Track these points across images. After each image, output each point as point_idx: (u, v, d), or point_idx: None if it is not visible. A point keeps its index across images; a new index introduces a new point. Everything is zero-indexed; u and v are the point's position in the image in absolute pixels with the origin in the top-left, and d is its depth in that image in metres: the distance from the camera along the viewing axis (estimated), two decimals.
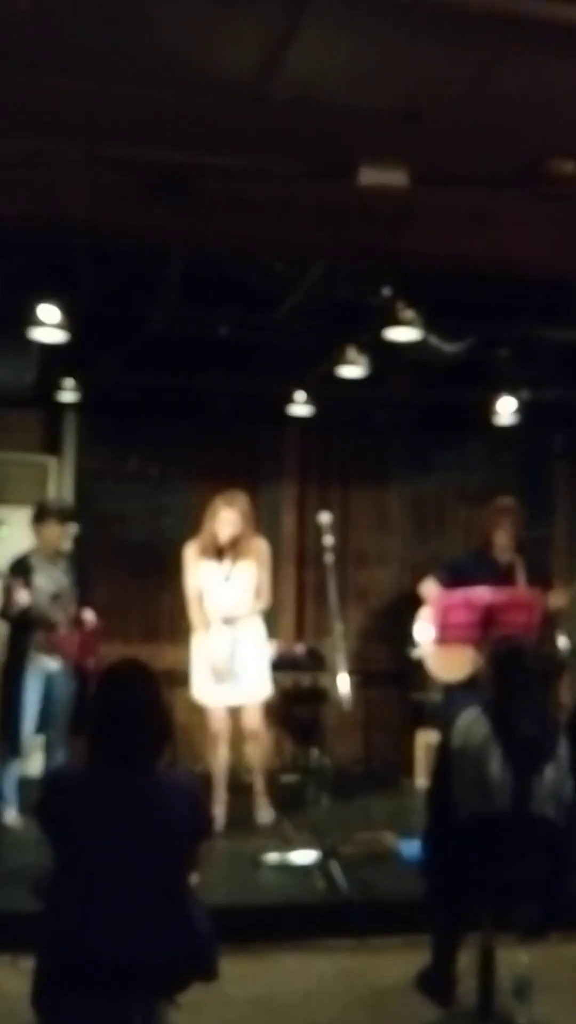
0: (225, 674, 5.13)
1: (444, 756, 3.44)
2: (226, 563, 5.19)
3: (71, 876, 2.61)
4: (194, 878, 2.85)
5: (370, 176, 3.00)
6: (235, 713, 5.33)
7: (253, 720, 5.30)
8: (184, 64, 2.53)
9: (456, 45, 2.39)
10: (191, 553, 5.26)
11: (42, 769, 5.33)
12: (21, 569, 5.16)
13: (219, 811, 5.11)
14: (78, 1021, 2.58)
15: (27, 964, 2.85)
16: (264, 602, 5.32)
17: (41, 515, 5.25)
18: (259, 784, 5.41)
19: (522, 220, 3.25)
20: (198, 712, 5.60)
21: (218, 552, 5.18)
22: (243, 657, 5.22)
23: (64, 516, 5.30)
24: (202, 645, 5.23)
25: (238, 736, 5.40)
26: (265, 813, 5.34)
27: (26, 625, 5.13)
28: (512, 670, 3.43)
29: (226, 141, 2.88)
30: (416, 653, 5.35)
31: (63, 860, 2.66)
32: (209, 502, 5.37)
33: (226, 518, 5.14)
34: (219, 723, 5.28)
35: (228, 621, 5.16)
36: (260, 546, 5.31)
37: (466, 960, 3.44)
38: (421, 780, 5.80)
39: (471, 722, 3.38)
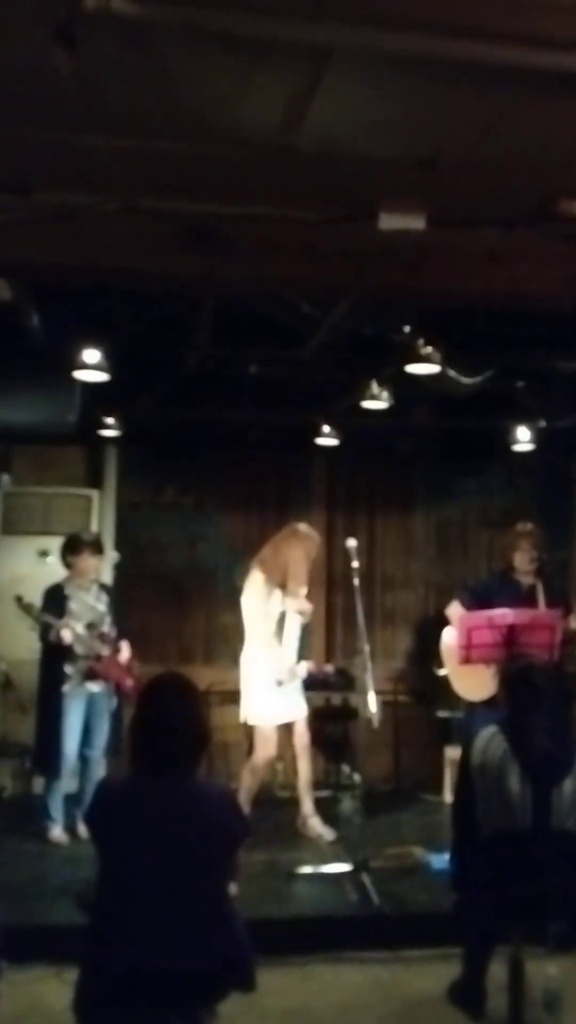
0: (289, 677, 5.16)
1: (465, 774, 3.39)
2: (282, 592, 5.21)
3: (113, 885, 2.59)
4: (232, 888, 2.82)
5: (389, 221, 3.01)
6: (281, 729, 5.28)
7: (306, 735, 5.27)
8: (213, 119, 2.57)
9: (469, 94, 2.41)
10: (263, 582, 5.18)
11: (78, 788, 5.29)
12: (56, 598, 5.16)
13: None
14: None
15: (71, 976, 2.82)
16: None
17: (76, 547, 5.24)
18: (310, 803, 5.32)
19: (535, 258, 3.24)
20: (233, 729, 5.58)
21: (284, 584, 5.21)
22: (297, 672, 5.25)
23: (98, 548, 5.30)
24: (266, 664, 5.16)
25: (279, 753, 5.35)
26: (327, 830, 5.23)
27: (65, 652, 5.12)
28: (523, 687, 3.38)
29: (254, 191, 2.92)
30: (441, 672, 5.29)
31: (106, 868, 2.64)
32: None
33: (316, 545, 5.26)
34: (274, 748, 5.19)
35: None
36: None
37: (497, 972, 3.36)
38: (449, 795, 5.71)
39: (488, 739, 3.33)
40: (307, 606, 5.25)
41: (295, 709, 5.22)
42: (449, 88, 2.39)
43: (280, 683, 5.13)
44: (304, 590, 5.24)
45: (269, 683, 5.15)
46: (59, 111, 2.53)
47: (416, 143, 2.71)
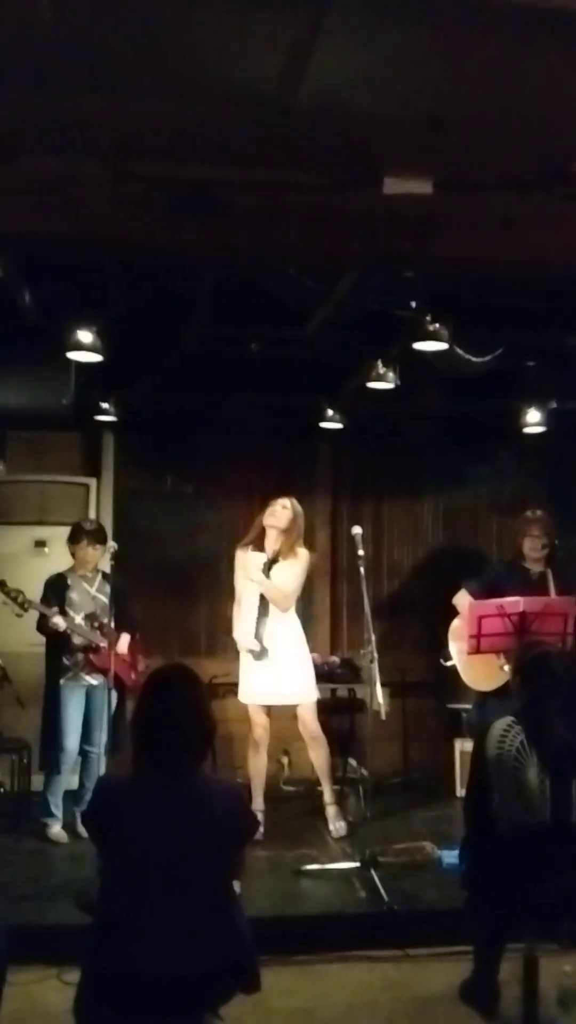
0: (254, 649, 5.12)
1: (479, 767, 3.33)
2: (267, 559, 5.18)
3: (117, 883, 2.54)
4: (235, 886, 2.76)
5: (395, 185, 2.92)
6: (289, 720, 5.23)
7: (310, 723, 5.19)
8: (207, 78, 2.48)
9: (478, 45, 2.31)
10: (238, 560, 5.30)
11: (78, 784, 5.25)
12: (57, 587, 5.13)
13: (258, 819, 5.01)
14: None
15: (71, 977, 2.78)
16: (284, 599, 5.18)
17: (75, 536, 5.22)
18: (328, 793, 5.25)
19: (550, 224, 3.13)
20: (238, 721, 5.52)
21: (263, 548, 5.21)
22: (282, 653, 5.14)
23: (99, 537, 5.24)
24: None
25: (278, 745, 5.30)
26: (339, 826, 5.16)
27: (64, 644, 5.08)
28: (540, 675, 3.32)
29: (251, 154, 2.83)
30: (448, 664, 5.22)
31: (109, 867, 2.59)
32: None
33: (275, 511, 5.19)
34: (261, 730, 5.19)
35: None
36: (303, 554, 5.27)
37: (510, 970, 3.30)
38: (460, 789, 5.65)
39: (504, 731, 3.27)
40: (252, 573, 5.12)
41: (283, 693, 5.12)
42: (456, 37, 2.30)
43: (254, 657, 5.11)
44: (253, 556, 5.18)
45: (243, 661, 5.19)
46: (44, 70, 2.44)
47: (422, 101, 2.61)
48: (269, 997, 2.96)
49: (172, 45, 2.34)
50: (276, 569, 5.17)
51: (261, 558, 5.19)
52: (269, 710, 5.22)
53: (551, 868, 3.09)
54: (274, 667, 5.12)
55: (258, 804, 5.12)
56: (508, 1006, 3.30)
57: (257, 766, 5.21)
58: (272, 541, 5.22)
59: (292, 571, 5.19)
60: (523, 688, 3.37)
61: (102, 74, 2.48)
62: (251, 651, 5.13)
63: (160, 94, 2.56)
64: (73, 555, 5.24)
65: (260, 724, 5.19)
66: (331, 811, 5.21)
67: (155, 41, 2.33)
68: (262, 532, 5.26)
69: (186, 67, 2.43)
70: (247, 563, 5.21)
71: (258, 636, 5.12)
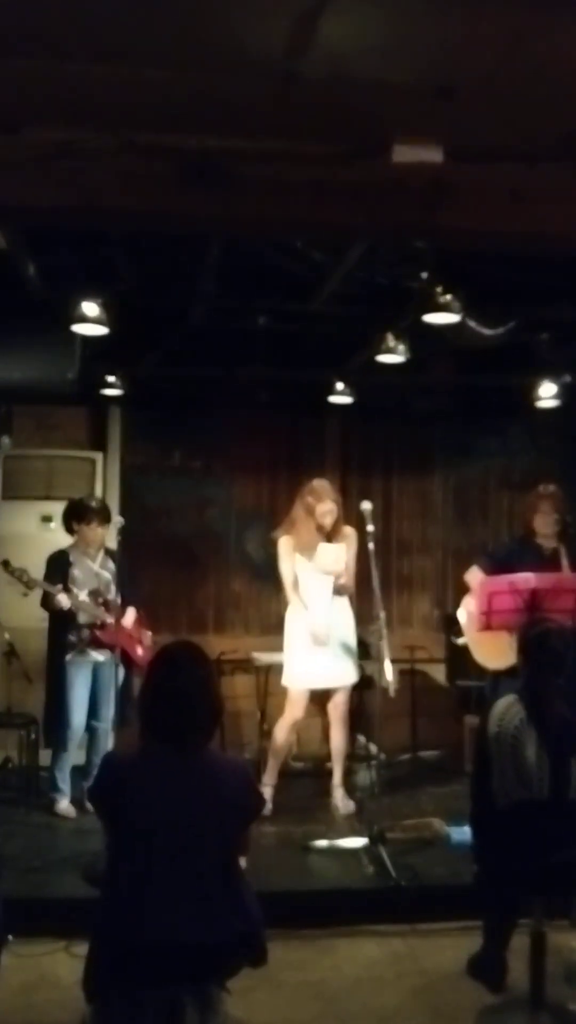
0: (324, 639, 5.13)
1: (482, 744, 3.35)
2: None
3: (124, 858, 2.57)
4: (242, 862, 2.80)
5: (404, 153, 2.89)
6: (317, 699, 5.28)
7: (342, 705, 5.26)
8: (213, 45, 2.45)
9: (490, 10, 2.28)
10: (283, 544, 5.25)
11: (85, 760, 5.30)
12: (60, 564, 5.15)
13: (268, 794, 5.06)
14: (130, 1006, 2.54)
15: (80, 950, 2.83)
16: (348, 582, 5.23)
17: (84, 515, 5.20)
18: (338, 774, 5.33)
19: (561, 196, 3.09)
20: (245, 698, 5.56)
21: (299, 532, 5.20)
22: (342, 633, 5.19)
23: (106, 516, 5.25)
24: (294, 627, 5.20)
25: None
26: (347, 803, 5.25)
27: (69, 620, 5.11)
28: (540, 652, 3.33)
29: (258, 123, 2.80)
30: (460, 641, 5.23)
31: (116, 842, 2.62)
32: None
33: (324, 520, 5.15)
34: (301, 712, 5.23)
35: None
36: (350, 532, 5.27)
37: (518, 945, 3.34)
38: (468, 766, 5.68)
39: (506, 708, 3.29)
40: (331, 565, 5.11)
41: (332, 676, 5.19)
42: (469, 4, 2.27)
43: (316, 645, 5.12)
44: (326, 548, 5.12)
45: (299, 646, 5.17)
46: (47, 39, 2.42)
47: (432, 69, 2.57)
48: (277, 971, 3.01)
49: (177, 12, 2.31)
50: (337, 553, 5.17)
51: (333, 550, 5.13)
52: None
53: (551, 844, 3.11)
54: (335, 650, 5.17)
55: (270, 780, 5.17)
56: (516, 982, 3.34)
57: (284, 746, 5.25)
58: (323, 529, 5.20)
59: (350, 552, 5.22)
60: (524, 665, 3.39)
61: (106, 42, 2.46)
62: (315, 634, 5.13)
63: (165, 62, 2.53)
64: (76, 533, 5.23)
65: (302, 706, 5.22)
66: (338, 792, 5.28)
67: (160, 8, 2.30)
68: (300, 517, 5.19)
69: (191, 34, 2.40)
70: (319, 556, 5.14)
71: (326, 623, 5.15)
